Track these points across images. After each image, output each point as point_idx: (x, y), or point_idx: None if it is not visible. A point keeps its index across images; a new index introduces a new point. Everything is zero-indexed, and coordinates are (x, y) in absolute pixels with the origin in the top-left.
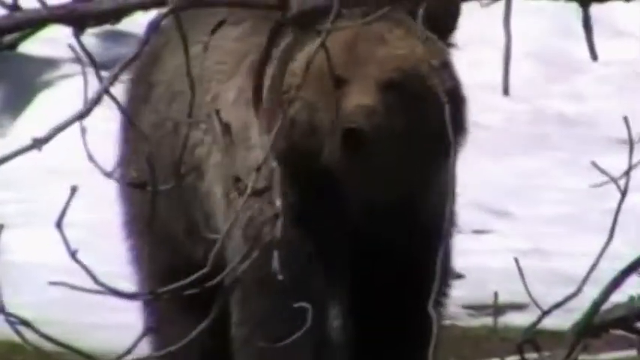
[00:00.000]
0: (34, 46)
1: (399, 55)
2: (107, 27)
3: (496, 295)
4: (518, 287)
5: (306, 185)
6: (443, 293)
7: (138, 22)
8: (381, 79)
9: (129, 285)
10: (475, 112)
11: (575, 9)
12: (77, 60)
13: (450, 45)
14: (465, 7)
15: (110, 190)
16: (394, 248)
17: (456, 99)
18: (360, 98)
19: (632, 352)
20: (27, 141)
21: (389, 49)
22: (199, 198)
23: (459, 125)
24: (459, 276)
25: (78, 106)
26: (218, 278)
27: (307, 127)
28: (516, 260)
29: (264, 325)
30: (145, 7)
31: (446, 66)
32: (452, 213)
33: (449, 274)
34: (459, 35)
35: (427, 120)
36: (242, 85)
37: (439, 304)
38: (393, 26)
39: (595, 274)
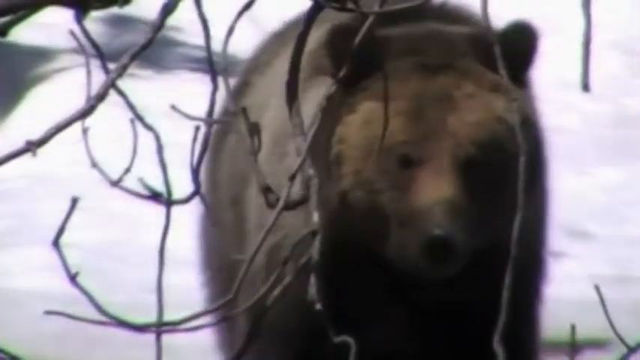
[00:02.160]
0: (26, 33)
1: (473, 122)
2: (113, 10)
3: (573, 329)
4: (599, 320)
5: (356, 265)
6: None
7: (148, 5)
8: (459, 157)
9: (139, 316)
10: (549, 114)
11: None
12: (79, 49)
13: (525, 85)
14: None
15: (116, 204)
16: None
17: (538, 159)
18: (436, 188)
19: None
20: (18, 144)
21: (461, 113)
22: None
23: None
24: None
25: (78, 102)
26: (242, 308)
27: (366, 208)
28: (597, 288)
29: None
30: None
31: (527, 121)
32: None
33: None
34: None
35: (508, 191)
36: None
37: (516, 340)
38: (459, 79)
39: None
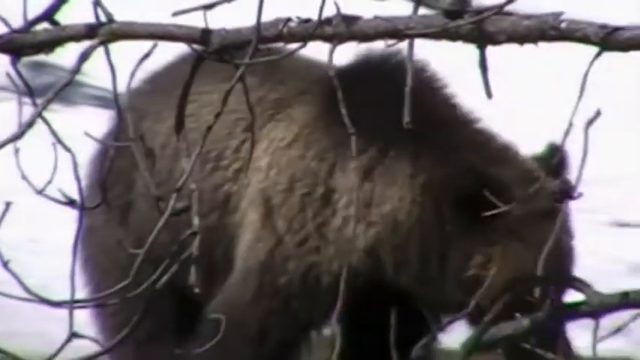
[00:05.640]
0: None
1: None
2: (32, 57)
3: None
4: None
5: None
6: None
7: (60, 53)
8: None
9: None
10: None
11: None
12: (11, 87)
13: None
14: None
15: (38, 208)
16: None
17: None
18: None
19: None
20: None
21: None
22: (228, 233)
23: None
24: None
25: (5, 131)
26: (140, 289)
27: None
28: None
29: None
30: (76, 38)
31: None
32: None
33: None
34: None
35: None
36: (300, 127)
37: None
38: None
39: None
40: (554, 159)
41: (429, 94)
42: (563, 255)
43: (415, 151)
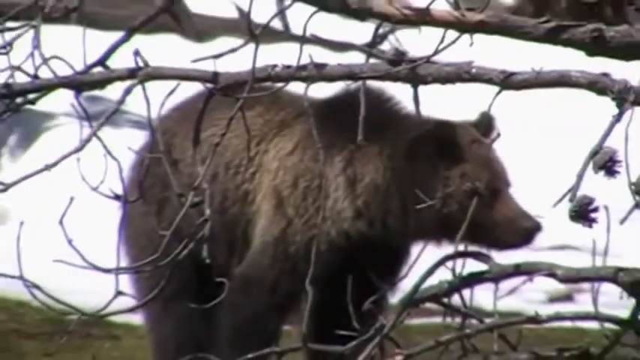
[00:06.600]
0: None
1: None
2: (89, 92)
3: None
4: None
5: None
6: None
7: (109, 88)
8: None
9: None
10: None
11: None
12: (69, 113)
13: None
14: None
15: (92, 202)
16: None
17: None
18: None
19: (436, 319)
20: (34, 167)
21: None
22: (246, 219)
23: None
24: None
25: (69, 145)
26: (166, 260)
27: None
28: None
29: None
30: (121, 78)
31: None
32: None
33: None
34: None
35: None
36: (298, 139)
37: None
38: None
39: None
40: (484, 123)
41: (387, 105)
42: (499, 164)
43: (380, 138)
